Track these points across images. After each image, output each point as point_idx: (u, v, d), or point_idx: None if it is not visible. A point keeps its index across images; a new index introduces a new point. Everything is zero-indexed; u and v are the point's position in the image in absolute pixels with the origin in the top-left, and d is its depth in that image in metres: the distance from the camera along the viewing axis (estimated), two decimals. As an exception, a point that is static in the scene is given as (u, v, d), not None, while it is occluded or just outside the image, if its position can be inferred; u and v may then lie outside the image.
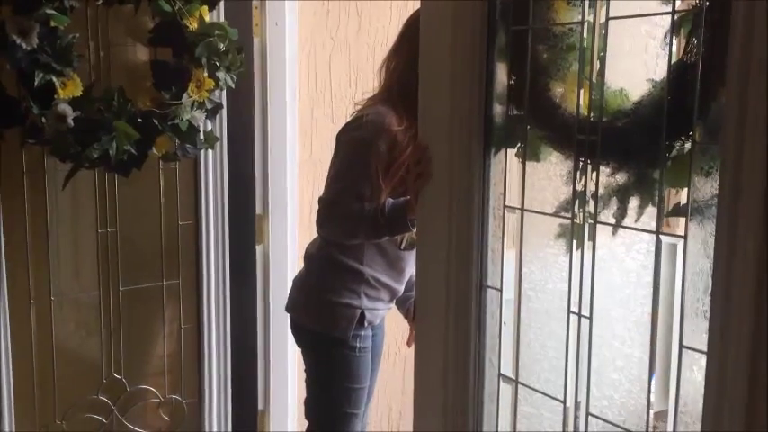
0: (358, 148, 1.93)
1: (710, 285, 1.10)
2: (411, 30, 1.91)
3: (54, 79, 1.98)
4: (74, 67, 2.03)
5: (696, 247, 1.14)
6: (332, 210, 1.94)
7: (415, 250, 1.99)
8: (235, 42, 2.26)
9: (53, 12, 1.97)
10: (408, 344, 2.36)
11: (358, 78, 2.83)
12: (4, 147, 2.07)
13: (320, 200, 1.97)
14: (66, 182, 2.10)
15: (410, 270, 2.12)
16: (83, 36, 2.13)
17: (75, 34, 2.04)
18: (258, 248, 2.65)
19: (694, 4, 1.13)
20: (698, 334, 1.15)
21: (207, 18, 2.24)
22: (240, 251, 2.57)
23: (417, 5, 2.83)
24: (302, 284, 2.13)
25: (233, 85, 2.28)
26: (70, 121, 2.01)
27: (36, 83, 1.95)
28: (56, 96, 2.00)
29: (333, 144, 2.78)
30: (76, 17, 2.08)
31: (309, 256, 2.12)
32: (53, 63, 1.98)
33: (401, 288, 2.14)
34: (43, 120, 2.00)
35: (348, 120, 2.02)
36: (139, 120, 2.12)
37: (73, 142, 2.02)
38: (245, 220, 2.58)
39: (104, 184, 2.27)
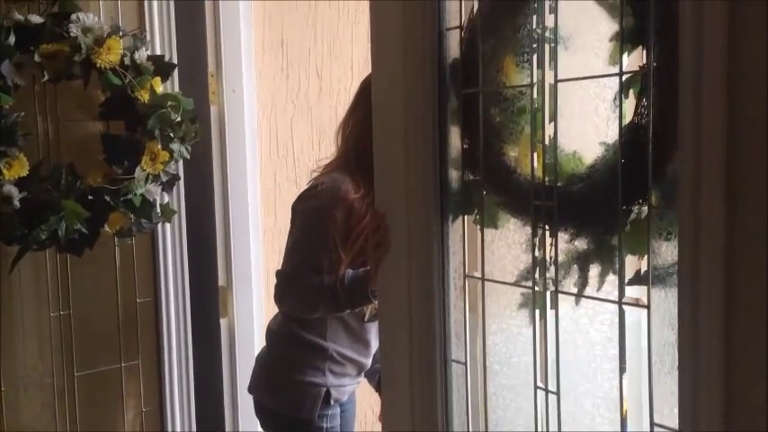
0: (314, 218, 1.86)
1: (677, 359, 1.03)
2: (366, 92, 1.86)
3: None
4: (19, 147, 1.97)
5: (660, 317, 1.08)
6: (289, 283, 1.86)
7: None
8: (189, 112, 2.22)
9: (-5, 91, 1.91)
10: (380, 419, 2.26)
11: (321, 141, 2.78)
12: (-53, 232, 1.98)
13: (277, 273, 1.90)
14: (14, 266, 2.01)
15: (376, 342, 2.04)
16: (30, 113, 2.08)
17: (20, 113, 1.98)
18: (223, 322, 2.56)
19: (641, 64, 1.09)
20: (668, 410, 1.07)
21: (159, 89, 2.19)
22: (204, 326, 2.47)
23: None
24: (264, 363, 2.04)
25: (188, 156, 2.23)
26: (16, 203, 1.94)
27: None
28: (0, 178, 1.93)
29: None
30: (23, 94, 2.03)
31: (271, 333, 2.03)
32: (-5, 144, 1.91)
33: (368, 361, 2.05)
34: (-12, 203, 1.92)
35: (304, 188, 1.96)
36: (89, 197, 2.05)
37: (19, 224, 1.94)
38: (208, 293, 2.50)
39: (56, 264, 2.18)
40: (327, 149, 2.79)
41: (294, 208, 1.94)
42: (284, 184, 2.73)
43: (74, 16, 2.05)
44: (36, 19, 1.99)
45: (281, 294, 1.87)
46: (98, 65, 2.06)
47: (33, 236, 1.95)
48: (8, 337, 2.13)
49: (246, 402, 2.56)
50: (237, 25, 2.51)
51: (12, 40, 1.93)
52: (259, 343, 2.61)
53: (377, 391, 2.21)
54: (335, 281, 1.80)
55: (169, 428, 2.36)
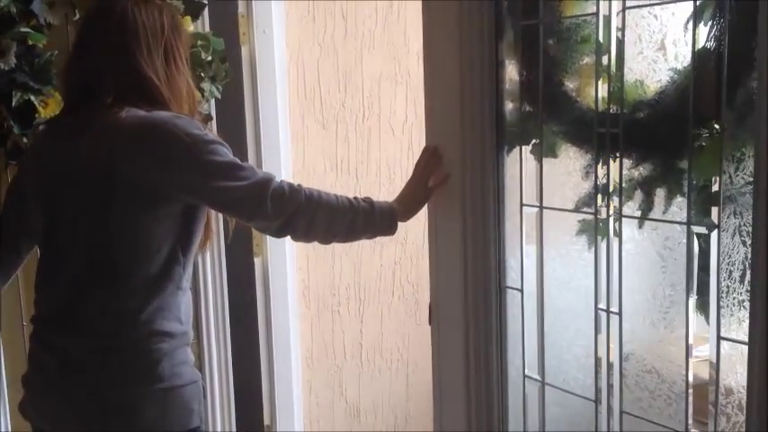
0: (212, 138, 1.46)
1: (749, 275, 1.08)
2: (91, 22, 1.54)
3: (33, 98, 1.93)
4: (54, 85, 1.98)
5: (730, 235, 1.12)
6: (298, 190, 1.46)
7: None
8: (219, 52, 2.22)
9: (29, 30, 1.92)
10: None
11: (347, 84, 2.79)
12: (-13, 168, 2.00)
13: (273, 191, 1.45)
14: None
15: None
16: (63, 51, 2.07)
17: (53, 51, 1.98)
18: (257, 261, 2.60)
19: (716, -11, 1.11)
20: (736, 324, 1.13)
21: (189, 29, 2.19)
22: (239, 265, 2.51)
23: (402, 6, 2.83)
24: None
25: (219, 96, 2.24)
26: (54, 140, 1.95)
27: (14, 103, 1.90)
28: (36, 115, 1.95)
29: (326, 151, 2.76)
30: (55, 32, 2.02)
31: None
32: (31, 82, 1.93)
33: None
34: (25, 140, 1.95)
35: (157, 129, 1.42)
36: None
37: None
38: (242, 233, 2.53)
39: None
40: (353, 91, 2.82)
41: (179, 142, 1.40)
42: (312, 126, 2.75)
43: (106, -46, 2.03)
44: (68, -43, 1.98)
45: (304, 211, 1.46)
46: (131, 3, 2.05)
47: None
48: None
49: (281, 339, 2.64)
50: (266, -34, 2.50)
51: (43, -23, 1.92)
52: (293, 279, 2.67)
53: None
54: (371, 203, 1.53)
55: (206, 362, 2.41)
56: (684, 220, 1.18)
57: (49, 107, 1.98)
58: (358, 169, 2.86)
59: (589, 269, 1.35)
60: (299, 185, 1.49)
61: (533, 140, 1.44)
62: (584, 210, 1.36)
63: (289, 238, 1.54)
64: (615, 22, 1.25)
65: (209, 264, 2.39)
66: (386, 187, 2.92)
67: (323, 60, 2.75)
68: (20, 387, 1.57)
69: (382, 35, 2.84)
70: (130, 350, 1.45)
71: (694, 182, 1.16)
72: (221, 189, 1.42)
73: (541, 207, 1.43)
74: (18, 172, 1.67)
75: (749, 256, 1.08)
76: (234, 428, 2.50)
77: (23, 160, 1.69)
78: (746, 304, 1.09)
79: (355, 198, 1.53)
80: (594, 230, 1.33)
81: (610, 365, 1.34)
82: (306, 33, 2.70)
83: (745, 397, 1.11)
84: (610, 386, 1.34)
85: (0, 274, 1.62)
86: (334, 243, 1.59)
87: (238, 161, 1.45)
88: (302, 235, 1.52)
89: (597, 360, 1.35)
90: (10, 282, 1.67)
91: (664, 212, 1.23)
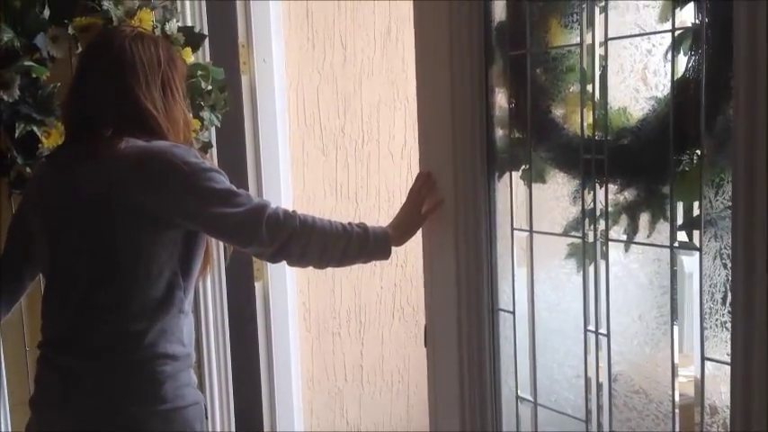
0: (209, 166, 1.50)
1: (730, 296, 1.11)
2: (89, 57, 1.60)
3: (35, 129, 1.98)
4: (56, 116, 2.03)
5: (712, 258, 1.15)
6: (292, 217, 1.50)
7: None
8: (219, 82, 2.27)
9: (32, 63, 1.97)
10: None
11: (346, 110, 2.84)
12: (-9, 197, 2.05)
13: (268, 219, 1.48)
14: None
15: None
16: (67, 83, 2.12)
17: (56, 84, 2.04)
18: (258, 285, 2.64)
19: (693, 21, 1.15)
20: (720, 343, 1.16)
21: (190, 59, 2.24)
22: (239, 289, 2.55)
23: (400, 33, 2.89)
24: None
25: (218, 124, 2.29)
26: (54, 170, 2.00)
27: (17, 134, 1.95)
28: (40, 146, 2.00)
29: (326, 176, 2.81)
30: (60, 65, 2.08)
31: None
32: (34, 113, 1.98)
33: None
34: (28, 170, 2.00)
35: (155, 160, 1.46)
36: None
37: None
38: (242, 258, 2.57)
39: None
40: (352, 117, 2.87)
41: (177, 171, 1.44)
42: (312, 152, 2.80)
43: (105, -12, 2.09)
44: (70, -9, 2.03)
45: (300, 235, 1.49)
46: (133, 36, 2.10)
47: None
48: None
49: (282, 364, 2.66)
50: (266, -4, 2.56)
51: (47, 13, 1.98)
52: (293, 304, 2.70)
53: None
54: (364, 227, 1.56)
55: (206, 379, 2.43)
56: (668, 244, 1.21)
57: (51, 138, 2.03)
58: (357, 194, 2.90)
59: (578, 292, 1.38)
60: (293, 211, 1.53)
61: (523, 166, 1.48)
62: (573, 234, 1.39)
63: (285, 262, 1.57)
64: (599, 52, 1.30)
65: (209, 288, 2.43)
66: (385, 211, 2.96)
67: (322, 87, 2.80)
68: (25, 411, 1.60)
69: (381, 62, 2.90)
70: (134, 371, 1.48)
71: (676, 206, 1.20)
72: (218, 215, 1.46)
73: (531, 231, 1.46)
74: (21, 202, 1.72)
75: (730, 278, 1.11)
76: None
77: (26, 190, 1.73)
78: (729, 325, 1.12)
79: (350, 223, 1.57)
80: (582, 254, 1.37)
81: (599, 386, 1.36)
82: (305, 61, 2.76)
83: (729, 416, 1.13)
84: (599, 406, 1.37)
85: (4, 302, 1.66)
86: (331, 267, 1.63)
87: (234, 188, 1.49)
88: (297, 260, 1.55)
89: (587, 381, 1.38)
90: (13, 310, 1.71)
91: (648, 236, 1.26)
